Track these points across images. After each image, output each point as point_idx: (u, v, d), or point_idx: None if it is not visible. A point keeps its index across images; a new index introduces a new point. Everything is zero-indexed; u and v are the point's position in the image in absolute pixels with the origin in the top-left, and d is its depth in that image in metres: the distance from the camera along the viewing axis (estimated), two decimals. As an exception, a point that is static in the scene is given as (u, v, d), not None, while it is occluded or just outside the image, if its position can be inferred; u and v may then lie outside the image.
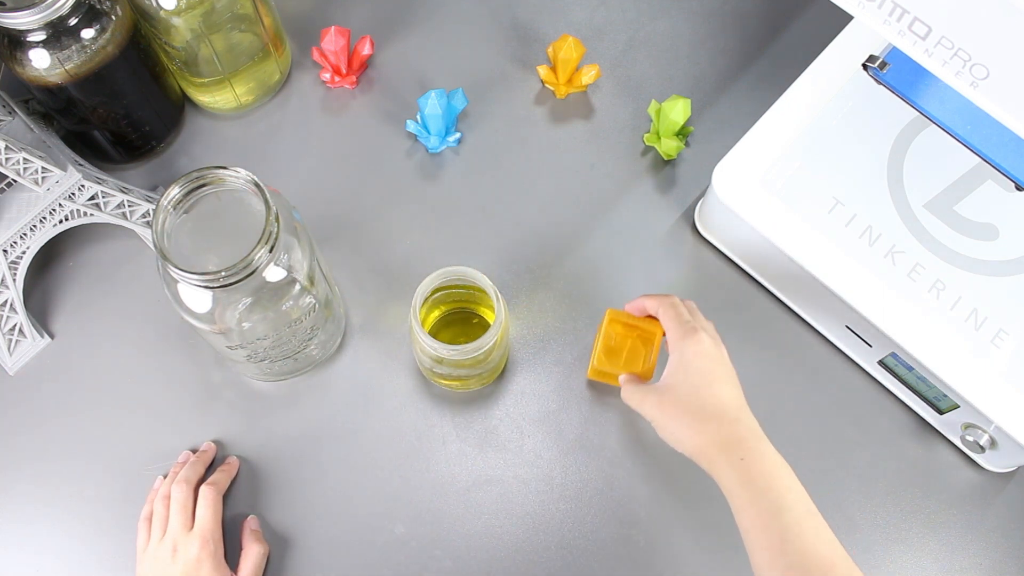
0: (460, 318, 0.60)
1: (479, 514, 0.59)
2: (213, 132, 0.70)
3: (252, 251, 0.46)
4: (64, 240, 0.65)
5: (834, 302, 0.58)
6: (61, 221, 0.60)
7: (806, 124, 0.61)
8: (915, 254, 0.58)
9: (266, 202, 0.47)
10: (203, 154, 0.69)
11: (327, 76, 0.70)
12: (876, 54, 0.58)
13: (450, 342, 0.53)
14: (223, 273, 0.46)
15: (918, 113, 0.57)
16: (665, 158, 0.68)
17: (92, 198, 0.61)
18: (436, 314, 0.60)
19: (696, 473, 0.60)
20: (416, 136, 0.68)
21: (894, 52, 0.58)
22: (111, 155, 0.67)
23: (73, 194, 0.60)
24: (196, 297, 0.49)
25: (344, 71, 0.69)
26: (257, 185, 0.48)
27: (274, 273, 0.49)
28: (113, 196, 0.61)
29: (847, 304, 0.57)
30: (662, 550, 0.59)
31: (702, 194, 0.66)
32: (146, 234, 0.64)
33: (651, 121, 0.68)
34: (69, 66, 0.56)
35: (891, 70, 0.58)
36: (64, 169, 0.59)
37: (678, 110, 0.64)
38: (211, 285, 0.46)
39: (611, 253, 0.66)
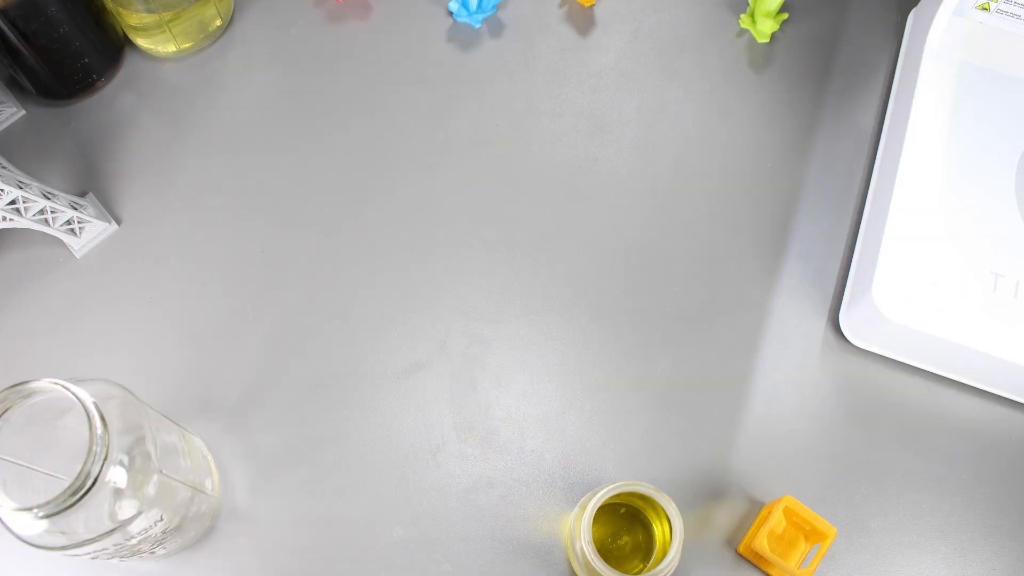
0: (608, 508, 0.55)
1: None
2: (154, 73, 0.63)
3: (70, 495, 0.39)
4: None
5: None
6: (-23, 226, 0.54)
7: (934, 205, 0.57)
8: None
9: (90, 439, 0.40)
10: (149, 91, 0.63)
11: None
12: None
13: (598, 540, 0.50)
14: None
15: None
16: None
17: (12, 203, 0.53)
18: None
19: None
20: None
21: None
22: (53, 88, 0.62)
23: (-9, 198, 0.53)
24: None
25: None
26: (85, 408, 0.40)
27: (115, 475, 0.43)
28: (35, 202, 0.53)
29: None
30: (667, 553, 0.57)
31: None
32: (71, 242, 0.57)
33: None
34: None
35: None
36: (-17, 171, 0.51)
37: None
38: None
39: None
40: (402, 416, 0.58)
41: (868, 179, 0.65)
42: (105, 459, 0.40)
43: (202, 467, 0.52)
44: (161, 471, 0.45)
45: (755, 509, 0.57)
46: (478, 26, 0.67)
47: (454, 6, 0.66)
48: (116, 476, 0.43)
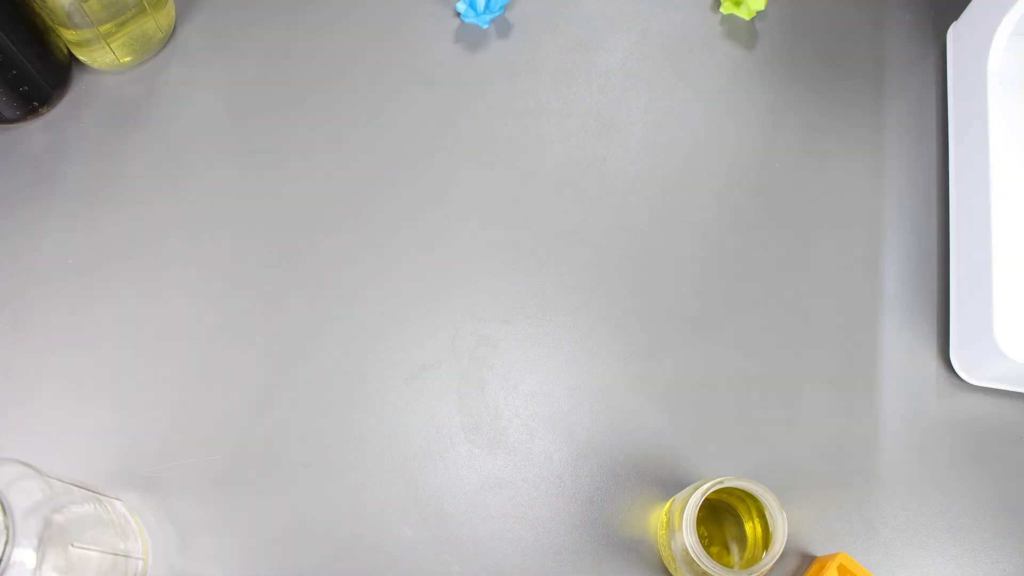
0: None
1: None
2: (102, 89, 0.64)
3: None
4: None
5: None
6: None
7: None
8: None
9: None
10: (101, 110, 0.64)
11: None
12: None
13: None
14: None
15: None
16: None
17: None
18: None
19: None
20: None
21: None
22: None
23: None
24: None
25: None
26: None
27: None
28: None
29: None
30: (675, 554, 0.57)
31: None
32: None
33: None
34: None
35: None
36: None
37: None
38: None
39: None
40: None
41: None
42: (6, 543, 0.41)
43: (126, 531, 0.52)
44: (73, 544, 0.45)
45: (804, 563, 0.56)
46: (486, 27, 0.67)
47: (461, 7, 0.66)
48: (24, 557, 0.43)
